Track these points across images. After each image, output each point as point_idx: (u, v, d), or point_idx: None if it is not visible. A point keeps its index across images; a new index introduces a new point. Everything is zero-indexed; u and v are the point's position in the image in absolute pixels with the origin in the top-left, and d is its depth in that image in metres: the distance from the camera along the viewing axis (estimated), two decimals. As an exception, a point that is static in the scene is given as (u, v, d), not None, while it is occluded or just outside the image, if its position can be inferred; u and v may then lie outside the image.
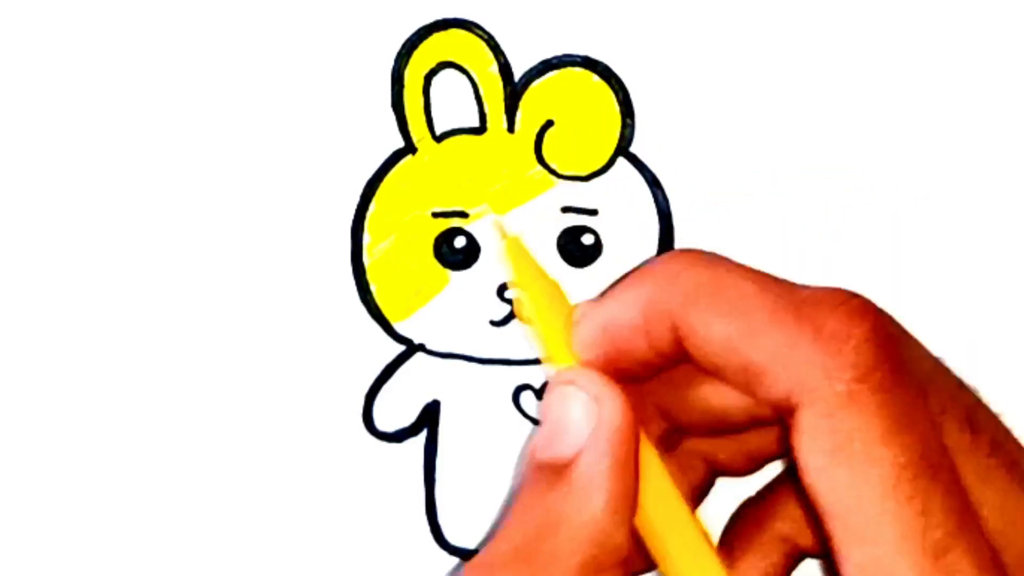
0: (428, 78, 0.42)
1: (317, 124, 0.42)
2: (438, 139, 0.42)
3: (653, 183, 0.42)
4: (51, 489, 0.42)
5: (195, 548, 0.42)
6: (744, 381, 0.32)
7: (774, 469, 0.37)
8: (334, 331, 0.42)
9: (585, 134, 0.42)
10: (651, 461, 0.34)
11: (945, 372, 0.33)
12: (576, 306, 0.35)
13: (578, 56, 0.42)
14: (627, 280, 0.34)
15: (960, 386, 0.33)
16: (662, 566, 0.34)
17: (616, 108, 0.42)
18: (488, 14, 0.42)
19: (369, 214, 0.42)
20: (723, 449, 0.37)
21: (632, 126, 0.42)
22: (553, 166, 0.42)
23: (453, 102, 0.42)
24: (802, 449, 0.31)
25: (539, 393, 0.42)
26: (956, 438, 0.32)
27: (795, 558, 0.36)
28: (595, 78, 0.42)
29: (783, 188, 0.42)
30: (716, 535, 0.36)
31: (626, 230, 0.42)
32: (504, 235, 0.38)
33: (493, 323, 0.42)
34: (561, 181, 0.42)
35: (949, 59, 0.42)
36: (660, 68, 0.42)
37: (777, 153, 0.42)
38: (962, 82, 0.42)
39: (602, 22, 0.42)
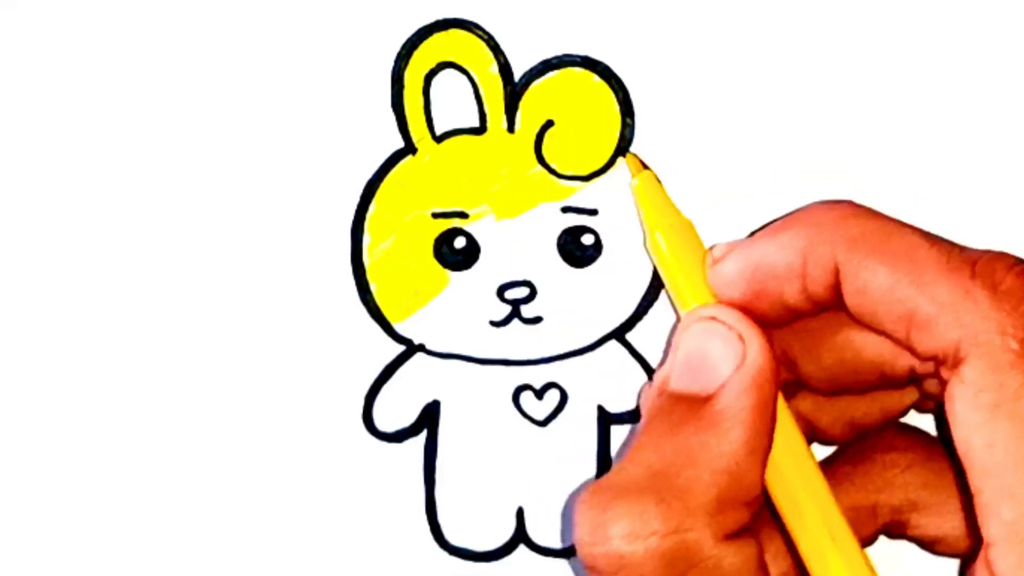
0: (428, 78, 0.42)
1: (317, 124, 0.42)
2: (438, 139, 0.42)
3: (653, 183, 0.42)
4: (51, 489, 0.42)
5: (195, 548, 0.42)
6: (904, 331, 0.31)
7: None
8: (334, 331, 0.42)
9: (585, 134, 0.42)
10: (781, 409, 0.33)
11: None
12: (713, 246, 0.35)
13: (578, 56, 0.42)
14: (781, 223, 0.34)
15: None
16: (786, 512, 0.34)
17: (616, 108, 0.42)
18: (488, 14, 0.42)
19: (369, 214, 0.42)
20: (825, 414, 0.36)
21: (632, 126, 0.42)
22: (553, 166, 0.42)
23: (453, 102, 0.42)
24: (960, 402, 0.30)
25: (539, 393, 0.42)
26: None
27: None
28: (595, 78, 0.42)
29: (783, 188, 0.42)
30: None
31: (626, 230, 0.42)
32: (636, 172, 0.38)
33: (493, 323, 0.42)
34: (562, 182, 0.42)
35: (949, 59, 0.42)
36: (660, 68, 0.42)
37: (777, 153, 0.42)
38: (963, 82, 0.42)
39: (602, 22, 0.42)
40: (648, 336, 0.42)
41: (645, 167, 0.41)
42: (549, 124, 0.42)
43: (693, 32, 0.42)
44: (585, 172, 0.42)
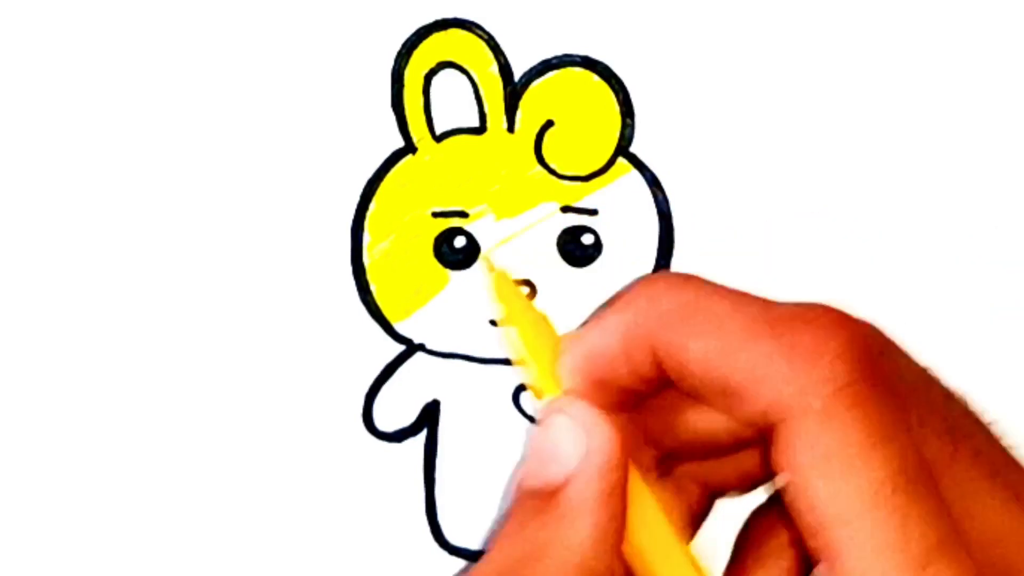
0: (428, 78, 0.42)
1: (317, 124, 0.42)
2: (438, 139, 0.42)
3: (653, 183, 0.42)
4: (51, 489, 0.42)
5: (195, 548, 0.42)
6: (723, 401, 0.32)
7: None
8: (334, 331, 0.42)
9: (585, 134, 0.42)
10: (640, 490, 0.34)
11: (929, 382, 0.33)
12: (562, 337, 0.35)
13: (578, 56, 0.42)
14: (608, 307, 0.34)
15: (946, 396, 0.33)
16: None
17: (616, 108, 0.42)
18: (488, 14, 0.42)
19: (369, 214, 0.42)
20: (717, 471, 0.37)
21: (632, 126, 0.42)
22: (553, 166, 0.42)
23: (453, 102, 0.42)
24: (781, 466, 0.31)
25: (539, 393, 0.42)
26: (937, 449, 0.32)
27: (808, 562, 0.36)
28: (595, 78, 0.42)
29: (783, 188, 0.42)
30: (724, 554, 0.36)
31: (626, 230, 0.42)
32: (492, 269, 0.38)
33: (493, 323, 0.42)
34: (562, 182, 0.42)
35: (950, 59, 0.42)
36: (660, 68, 0.42)
37: (777, 153, 0.42)
38: (963, 82, 0.42)
39: (602, 22, 0.42)
40: (648, 336, 0.42)
41: (496, 269, 0.41)
42: (549, 124, 0.42)
43: (693, 32, 0.42)
44: (585, 172, 0.42)
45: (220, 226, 0.42)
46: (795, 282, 0.42)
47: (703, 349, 0.32)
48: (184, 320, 0.42)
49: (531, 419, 0.42)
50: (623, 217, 0.42)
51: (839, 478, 0.30)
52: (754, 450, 0.36)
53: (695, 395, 0.33)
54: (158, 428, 0.42)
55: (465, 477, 0.42)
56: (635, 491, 0.33)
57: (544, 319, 0.36)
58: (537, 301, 0.42)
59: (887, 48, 0.42)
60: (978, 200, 0.42)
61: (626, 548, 0.33)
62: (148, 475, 0.42)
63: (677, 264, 0.42)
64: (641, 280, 0.35)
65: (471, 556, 0.42)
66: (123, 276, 0.42)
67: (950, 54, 0.42)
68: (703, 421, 0.35)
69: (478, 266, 0.42)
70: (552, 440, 0.33)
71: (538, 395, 0.35)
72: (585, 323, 0.35)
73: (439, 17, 0.42)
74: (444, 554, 0.42)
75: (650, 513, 0.34)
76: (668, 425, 0.35)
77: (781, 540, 0.36)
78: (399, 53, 0.42)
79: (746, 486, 0.37)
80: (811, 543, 0.30)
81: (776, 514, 0.36)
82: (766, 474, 0.37)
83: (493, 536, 0.34)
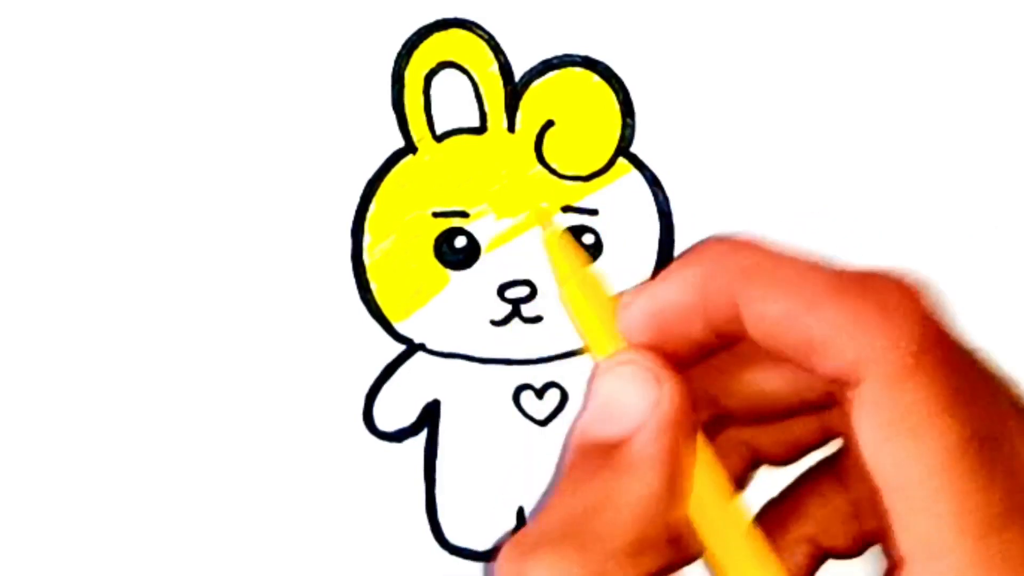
0: (428, 78, 0.42)
1: (317, 124, 0.42)
2: (438, 139, 0.42)
3: (653, 183, 0.42)
4: (51, 489, 0.42)
5: (195, 548, 0.42)
6: (805, 355, 0.32)
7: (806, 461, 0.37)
8: (334, 331, 0.42)
9: (585, 134, 0.42)
10: (701, 447, 0.34)
11: (986, 357, 0.33)
12: (620, 294, 0.35)
13: (578, 56, 0.42)
14: (680, 261, 0.34)
15: (998, 372, 0.33)
16: (710, 553, 0.34)
17: (616, 108, 0.42)
18: (488, 14, 0.42)
19: (369, 214, 0.42)
20: (765, 437, 0.37)
21: (632, 126, 0.42)
22: (553, 166, 0.42)
23: (453, 102, 0.42)
24: (862, 421, 0.30)
25: (539, 393, 0.42)
26: (1013, 418, 0.32)
27: (818, 559, 0.36)
28: (595, 78, 0.42)
29: (783, 188, 0.42)
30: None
31: (626, 230, 0.42)
32: (546, 227, 0.38)
33: (493, 323, 0.42)
34: (562, 182, 0.42)
35: (950, 59, 0.42)
36: (660, 68, 0.42)
37: (777, 153, 0.42)
38: (963, 83, 0.42)
39: (602, 22, 0.42)
40: (648, 336, 0.42)
41: (549, 228, 0.41)
42: (549, 124, 0.42)
43: (693, 32, 0.42)
44: (585, 172, 0.42)
45: (220, 226, 0.42)
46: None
47: (788, 302, 0.32)
48: (184, 320, 0.42)
49: (531, 419, 0.42)
50: (623, 217, 0.42)
51: (922, 435, 0.30)
52: (805, 418, 0.36)
53: (772, 348, 0.32)
54: (158, 428, 0.42)
55: (465, 477, 0.42)
56: (697, 449, 0.33)
57: (597, 277, 0.36)
58: (537, 301, 0.42)
59: (887, 48, 0.42)
60: (978, 200, 0.42)
61: (691, 504, 0.33)
62: (148, 475, 0.42)
63: (677, 264, 0.42)
64: (712, 239, 0.34)
65: (471, 556, 0.42)
66: (123, 276, 0.42)
67: (950, 54, 0.42)
68: (764, 382, 0.35)
69: (481, 263, 0.42)
70: (617, 392, 0.33)
71: (596, 351, 0.35)
72: (645, 282, 0.34)
73: (439, 17, 0.42)
74: (444, 554, 0.42)
75: (710, 471, 0.34)
76: (726, 384, 0.35)
77: (795, 534, 0.36)
78: (399, 53, 0.42)
79: (790, 455, 0.37)
80: (885, 500, 0.30)
81: (788, 508, 0.36)
82: (814, 443, 0.36)
83: (553, 488, 0.34)
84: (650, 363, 0.33)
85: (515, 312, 0.42)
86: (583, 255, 0.37)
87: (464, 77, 0.42)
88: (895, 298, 0.31)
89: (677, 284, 0.34)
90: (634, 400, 0.33)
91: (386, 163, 0.42)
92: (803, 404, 0.35)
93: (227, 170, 0.42)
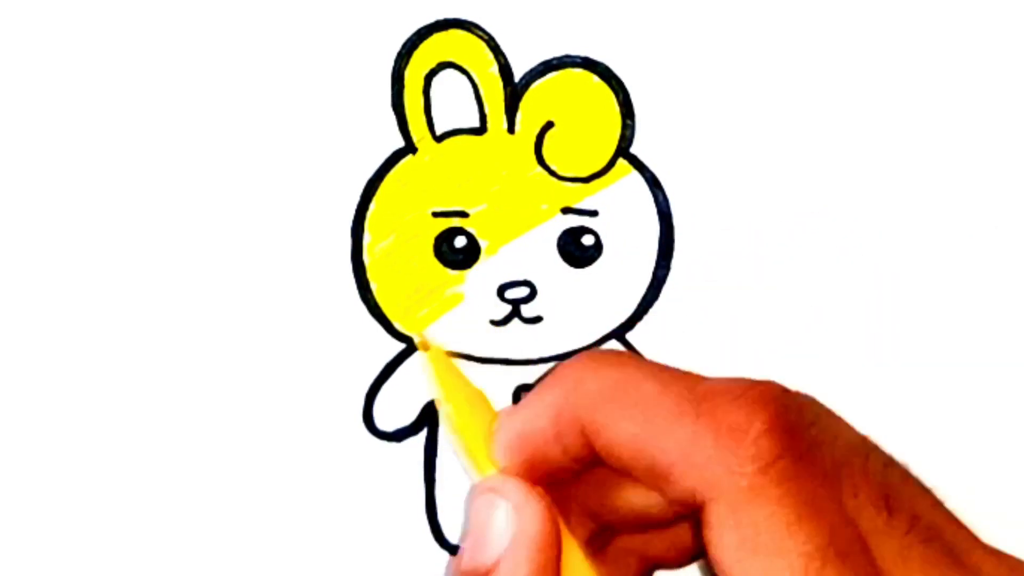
0: (428, 78, 0.42)
1: (317, 124, 0.42)
2: (438, 139, 0.42)
3: (653, 183, 0.42)
4: (51, 489, 0.42)
5: (195, 548, 0.42)
6: (653, 480, 0.32)
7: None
8: (334, 330, 0.42)
9: (585, 135, 0.42)
10: (578, 564, 0.34)
11: (866, 450, 0.33)
12: (498, 414, 0.35)
13: (578, 57, 0.42)
14: (541, 385, 0.35)
15: (885, 463, 0.33)
16: None
17: (616, 109, 0.42)
18: (488, 14, 0.42)
19: (369, 213, 0.42)
20: (654, 544, 0.37)
21: (632, 127, 0.42)
22: (553, 167, 0.42)
23: (453, 102, 0.42)
24: (712, 544, 0.31)
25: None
26: (872, 518, 0.32)
27: None
28: (595, 79, 0.42)
29: (783, 188, 0.42)
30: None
31: (626, 231, 0.42)
32: (427, 347, 0.38)
33: (493, 323, 0.42)
34: (562, 183, 0.42)
35: (950, 59, 0.42)
36: (660, 68, 0.42)
37: (777, 153, 0.42)
38: (964, 82, 0.42)
39: (602, 23, 0.42)
40: (648, 336, 0.42)
41: (431, 346, 0.41)
42: (549, 125, 0.42)
43: (693, 32, 0.42)
44: (585, 173, 0.42)
45: (220, 226, 0.42)
46: (795, 282, 0.42)
47: (630, 430, 0.32)
48: (184, 320, 0.42)
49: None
50: (623, 218, 0.42)
51: (768, 555, 0.30)
52: (689, 524, 0.36)
53: (625, 473, 0.33)
54: (158, 427, 0.42)
55: (465, 477, 0.42)
56: (573, 566, 0.34)
57: (480, 395, 0.37)
58: (537, 302, 0.42)
59: (887, 48, 0.42)
60: (978, 200, 0.42)
61: None
62: (148, 474, 0.42)
63: (677, 264, 0.42)
64: (573, 359, 0.35)
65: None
66: (123, 276, 0.42)
67: (950, 54, 0.42)
68: (637, 496, 0.35)
69: (481, 266, 0.42)
70: (483, 520, 0.34)
71: (473, 473, 0.36)
72: (520, 400, 0.35)
73: (439, 17, 0.42)
74: (444, 554, 0.42)
75: None
76: (603, 499, 0.36)
77: None
78: (399, 53, 0.42)
79: (683, 559, 0.37)
80: None
81: None
82: (701, 548, 0.37)
83: None
84: (514, 490, 0.34)
85: (515, 312, 0.42)
86: (462, 375, 0.37)
87: (464, 77, 0.42)
88: (731, 418, 0.31)
89: (533, 412, 0.34)
90: (499, 529, 0.33)
91: (386, 163, 0.42)
92: (676, 515, 0.35)
93: (227, 170, 0.42)
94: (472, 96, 0.42)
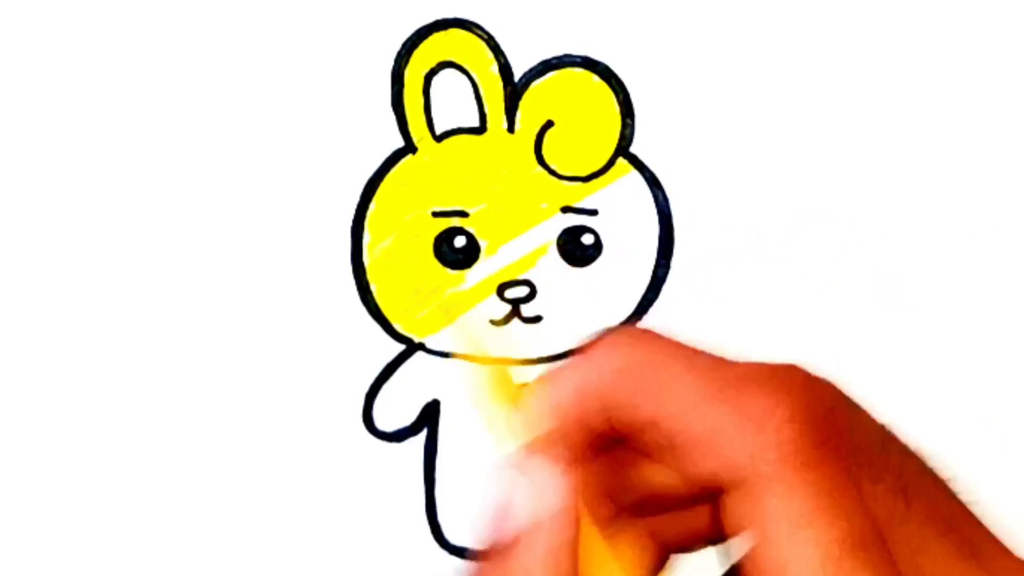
0: (428, 78, 0.42)
1: (317, 124, 0.42)
2: (438, 139, 0.42)
3: (653, 183, 0.42)
4: (51, 489, 0.42)
5: (195, 547, 0.42)
6: (673, 461, 0.32)
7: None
8: (334, 331, 0.42)
9: (585, 134, 0.42)
10: (596, 545, 0.34)
11: (885, 440, 0.33)
12: (524, 388, 0.35)
13: (578, 56, 0.42)
14: (567, 361, 0.35)
15: (902, 453, 0.33)
16: None
17: (616, 108, 0.42)
18: (488, 14, 0.42)
19: (369, 213, 0.42)
20: (672, 527, 0.37)
21: (632, 126, 0.42)
22: (553, 166, 0.42)
23: (453, 102, 0.42)
24: (731, 529, 0.31)
25: (539, 393, 0.42)
26: (890, 507, 0.32)
27: None
28: (595, 78, 0.42)
29: (783, 188, 0.42)
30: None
31: (626, 230, 0.42)
32: (453, 319, 0.38)
33: (493, 322, 0.42)
34: (562, 183, 0.42)
35: (950, 59, 0.42)
36: (660, 68, 0.42)
37: (777, 153, 0.42)
38: (964, 83, 0.42)
39: (602, 22, 0.42)
40: (648, 336, 0.42)
41: (456, 319, 0.41)
42: (549, 124, 0.42)
43: (693, 32, 0.42)
44: (585, 173, 0.42)
45: (221, 226, 0.42)
46: (795, 282, 0.42)
47: (653, 411, 0.32)
48: (184, 320, 0.42)
49: (531, 419, 0.42)
50: (623, 217, 0.42)
51: (787, 543, 0.30)
52: (705, 507, 0.36)
53: (646, 453, 0.33)
54: (158, 427, 0.42)
55: (465, 477, 0.42)
56: (591, 546, 0.33)
57: (504, 370, 0.37)
58: (537, 301, 0.42)
59: (887, 49, 0.42)
60: (978, 200, 0.42)
61: None
62: (148, 474, 0.42)
63: (677, 264, 0.42)
64: (600, 335, 0.35)
65: (471, 556, 0.42)
66: (123, 276, 0.42)
67: (950, 54, 0.42)
68: (658, 476, 0.35)
69: (481, 266, 0.42)
70: (507, 495, 0.33)
71: (499, 446, 0.36)
72: (545, 376, 0.35)
73: (439, 17, 0.42)
74: (444, 554, 0.42)
75: (604, 568, 0.34)
76: (624, 479, 0.35)
77: None
78: (399, 53, 0.42)
79: (701, 543, 0.37)
80: None
81: None
82: (718, 532, 0.37)
83: None
84: (535, 466, 0.33)
85: (515, 312, 0.42)
86: (487, 348, 0.37)
87: (464, 77, 0.42)
88: (755, 404, 0.31)
89: (559, 386, 0.34)
90: (520, 504, 0.33)
91: (386, 163, 0.42)
92: (694, 499, 0.35)
93: (228, 170, 0.42)
94: (472, 96, 0.42)
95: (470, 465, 0.42)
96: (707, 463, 0.31)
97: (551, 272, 0.42)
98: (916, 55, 0.42)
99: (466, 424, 0.42)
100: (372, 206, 0.42)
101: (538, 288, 0.42)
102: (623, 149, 0.42)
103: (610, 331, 0.35)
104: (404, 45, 0.42)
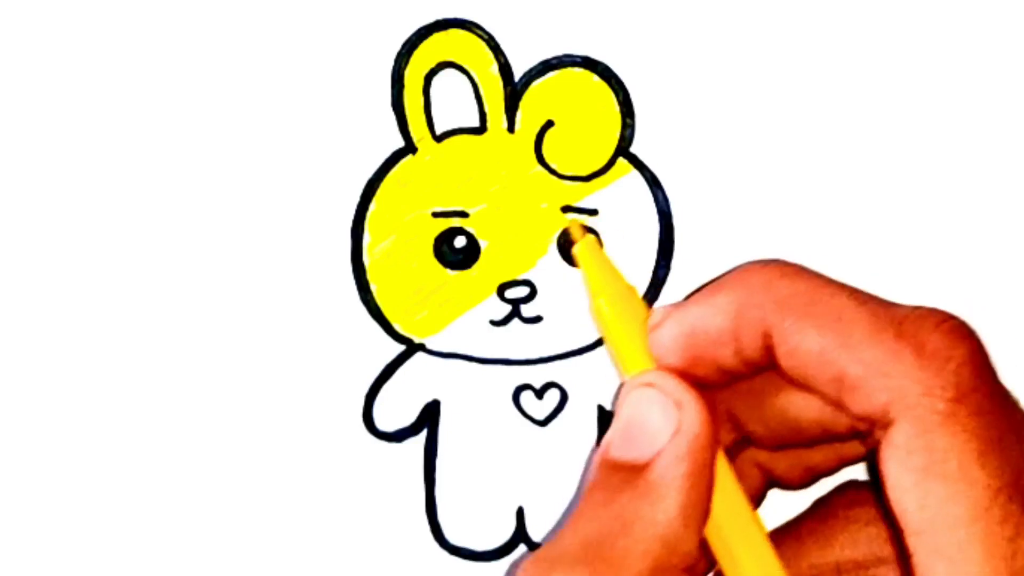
0: (428, 78, 0.42)
1: (317, 124, 0.42)
2: (438, 139, 0.42)
3: (653, 183, 0.42)
4: (51, 489, 0.42)
5: (195, 548, 0.42)
6: (836, 392, 0.32)
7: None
8: (334, 331, 0.42)
9: (585, 134, 0.42)
10: (723, 470, 0.34)
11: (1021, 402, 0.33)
12: (653, 310, 0.35)
13: (578, 56, 0.42)
14: (714, 286, 0.34)
15: None
16: (729, 574, 0.34)
17: (616, 108, 0.42)
18: (488, 14, 0.42)
19: (369, 214, 0.42)
20: (782, 462, 0.37)
21: (632, 126, 0.42)
22: (553, 166, 0.42)
23: (453, 102, 0.42)
24: (891, 463, 0.30)
25: (539, 393, 0.42)
26: None
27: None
28: (595, 78, 0.42)
29: (783, 188, 0.42)
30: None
31: (626, 230, 0.42)
32: (580, 237, 0.37)
33: (493, 323, 0.42)
34: (562, 183, 0.42)
35: (950, 59, 0.42)
36: (660, 68, 0.42)
37: (777, 153, 0.42)
38: (964, 83, 0.42)
39: (602, 22, 0.42)
40: (648, 336, 0.42)
41: (588, 231, 0.41)
42: (549, 124, 0.42)
43: (693, 32, 0.42)
44: (585, 173, 0.42)
45: (220, 226, 0.42)
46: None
47: (823, 339, 0.31)
48: (184, 320, 0.42)
49: (531, 419, 0.42)
50: (623, 217, 0.42)
51: (955, 483, 0.30)
52: (825, 446, 0.35)
53: (802, 382, 0.32)
54: (158, 427, 0.42)
55: (465, 477, 0.42)
56: (719, 471, 0.33)
57: (632, 290, 0.36)
58: (537, 301, 0.42)
59: (887, 48, 0.42)
60: (978, 200, 0.42)
61: (709, 527, 0.33)
62: (148, 475, 0.42)
63: (677, 264, 0.42)
64: (750, 264, 0.34)
65: (471, 556, 0.42)
66: (123, 276, 0.42)
67: (950, 54, 0.42)
68: (792, 409, 0.35)
69: (480, 266, 0.42)
70: (641, 414, 0.33)
71: (624, 368, 0.35)
72: (687, 298, 0.34)
73: (439, 17, 0.42)
74: (444, 554, 0.42)
75: (732, 495, 0.34)
76: (752, 409, 0.35)
77: (820, 557, 0.36)
78: (399, 53, 0.42)
79: (804, 481, 0.37)
80: (911, 542, 0.30)
81: (809, 531, 0.36)
82: (830, 470, 0.37)
83: (573, 507, 0.34)
84: (675, 387, 0.33)
85: (515, 312, 0.42)
86: (616, 267, 0.37)
87: (464, 77, 0.42)
88: (934, 342, 0.31)
89: (711, 309, 0.33)
90: (657, 424, 0.33)
91: (386, 163, 0.42)
92: (827, 435, 0.34)
93: (227, 170, 0.42)
94: (472, 96, 0.42)
95: (470, 465, 0.42)
96: (879, 395, 0.31)
97: (551, 272, 0.42)
98: (917, 55, 0.42)
99: (466, 424, 0.42)
100: (372, 206, 0.42)
101: (538, 288, 0.42)
102: (623, 149, 0.42)
103: (756, 262, 0.34)
104: (404, 45, 0.42)
